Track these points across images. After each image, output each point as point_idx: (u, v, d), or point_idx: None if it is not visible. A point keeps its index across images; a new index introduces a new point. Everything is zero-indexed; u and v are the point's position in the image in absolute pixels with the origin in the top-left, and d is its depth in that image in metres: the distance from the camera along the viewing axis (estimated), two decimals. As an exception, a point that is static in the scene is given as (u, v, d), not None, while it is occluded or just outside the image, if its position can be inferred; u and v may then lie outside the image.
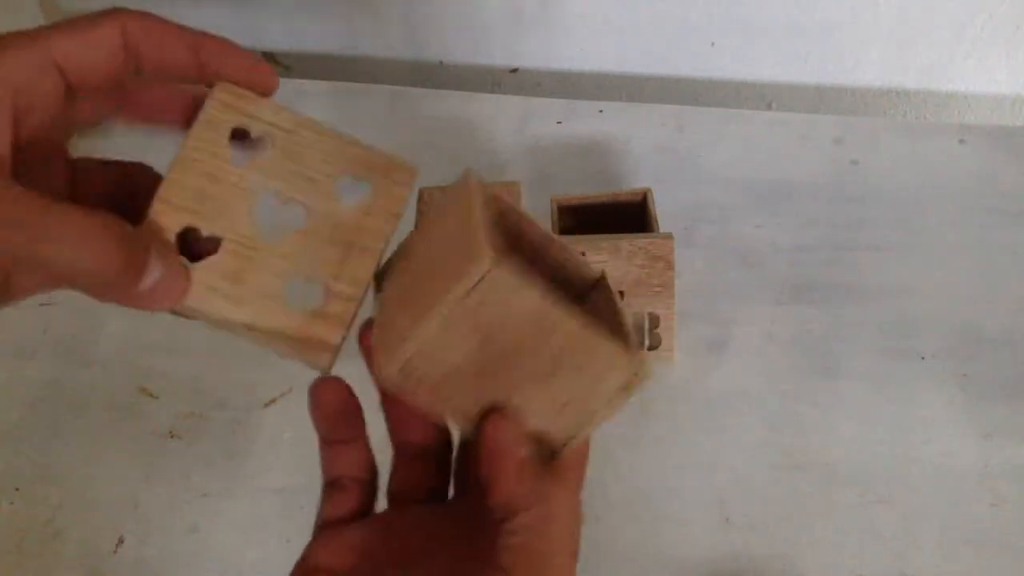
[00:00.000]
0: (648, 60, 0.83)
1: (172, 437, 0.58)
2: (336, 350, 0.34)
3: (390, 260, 0.35)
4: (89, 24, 0.30)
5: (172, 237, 0.32)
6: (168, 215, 0.32)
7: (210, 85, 0.33)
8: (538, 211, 0.63)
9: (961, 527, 0.52)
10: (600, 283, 0.35)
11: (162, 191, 0.32)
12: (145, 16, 0.31)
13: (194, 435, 0.58)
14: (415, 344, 0.30)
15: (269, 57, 0.89)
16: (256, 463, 0.56)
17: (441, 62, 0.87)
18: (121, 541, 0.53)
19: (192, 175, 0.32)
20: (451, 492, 0.37)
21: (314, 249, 0.34)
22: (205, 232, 0.32)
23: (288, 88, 0.83)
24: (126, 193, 0.33)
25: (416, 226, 0.36)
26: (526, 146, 0.74)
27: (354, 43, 0.86)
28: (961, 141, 0.73)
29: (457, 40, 0.84)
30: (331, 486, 0.36)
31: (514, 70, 0.86)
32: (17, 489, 0.56)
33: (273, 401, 0.59)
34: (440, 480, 0.37)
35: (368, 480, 0.36)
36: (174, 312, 0.32)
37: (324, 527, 0.35)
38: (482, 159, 0.73)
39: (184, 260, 0.32)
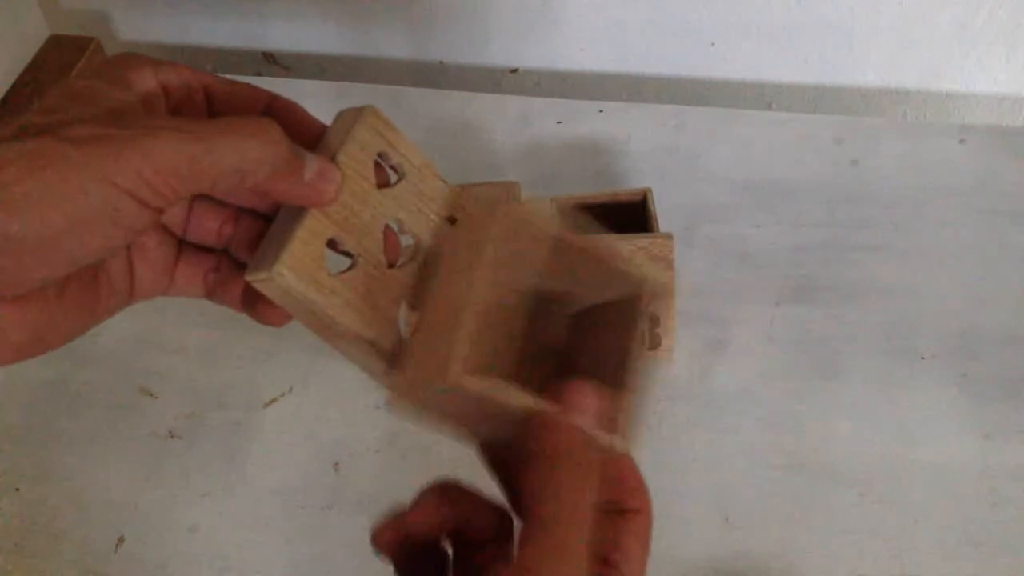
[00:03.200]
0: (648, 60, 0.83)
1: (172, 437, 0.58)
2: None
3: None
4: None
5: (323, 244, 0.33)
6: (321, 222, 0.33)
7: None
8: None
9: (961, 527, 0.52)
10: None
11: None
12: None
13: (194, 435, 0.58)
14: (406, 403, 0.31)
15: (269, 57, 0.89)
16: (256, 463, 0.56)
17: (441, 62, 0.87)
18: (121, 541, 0.53)
19: (344, 191, 0.33)
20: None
21: (421, 280, 0.36)
22: (345, 247, 0.34)
23: (288, 88, 0.84)
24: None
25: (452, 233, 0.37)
26: (526, 146, 0.74)
27: (354, 43, 0.86)
28: (961, 141, 0.73)
29: (457, 40, 0.84)
30: None
31: (514, 70, 0.86)
32: (17, 489, 0.56)
33: (273, 401, 0.59)
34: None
35: None
36: (307, 315, 0.33)
37: None
38: (482, 159, 0.73)
39: (327, 269, 0.33)
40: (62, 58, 0.78)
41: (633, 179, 0.71)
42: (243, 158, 0.30)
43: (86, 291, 0.32)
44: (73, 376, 0.61)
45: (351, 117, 0.35)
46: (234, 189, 0.31)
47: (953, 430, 0.56)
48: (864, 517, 0.52)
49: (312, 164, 0.32)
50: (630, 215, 0.60)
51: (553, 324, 0.36)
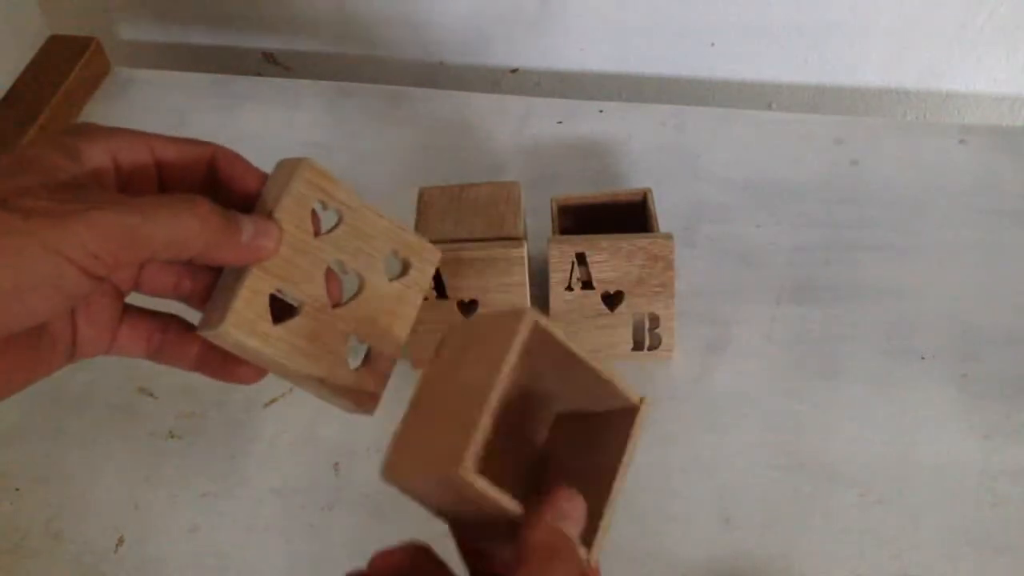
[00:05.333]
0: (648, 60, 0.83)
1: (172, 437, 0.58)
2: (379, 399, 0.41)
3: (440, 344, 0.38)
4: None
5: (266, 299, 0.36)
6: (263, 280, 0.36)
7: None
8: (538, 211, 0.63)
9: (961, 527, 0.52)
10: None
11: None
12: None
13: (194, 435, 0.58)
14: (403, 484, 0.34)
15: (269, 57, 0.89)
16: (256, 463, 0.56)
17: (441, 62, 0.87)
18: (121, 541, 0.53)
19: (283, 245, 0.37)
20: None
21: (366, 314, 0.40)
22: (288, 296, 0.37)
23: (288, 88, 0.84)
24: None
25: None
26: (526, 146, 0.74)
27: (354, 43, 0.86)
28: (961, 141, 0.73)
29: (457, 40, 0.84)
30: None
31: (514, 70, 0.86)
32: (17, 489, 0.56)
33: (273, 401, 0.59)
34: None
35: None
36: (260, 361, 0.37)
37: None
38: (482, 159, 0.73)
39: (269, 321, 0.36)
40: (62, 58, 0.78)
41: (633, 179, 0.71)
42: (178, 231, 0.32)
43: (26, 350, 0.34)
44: (73, 376, 0.61)
45: (289, 169, 0.38)
46: (175, 258, 0.34)
47: (953, 430, 0.56)
48: (864, 517, 0.52)
49: (248, 227, 0.35)
50: (630, 215, 0.60)
51: (539, 420, 0.38)
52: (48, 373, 0.36)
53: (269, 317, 0.36)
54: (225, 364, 0.38)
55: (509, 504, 0.31)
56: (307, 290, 0.38)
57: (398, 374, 0.59)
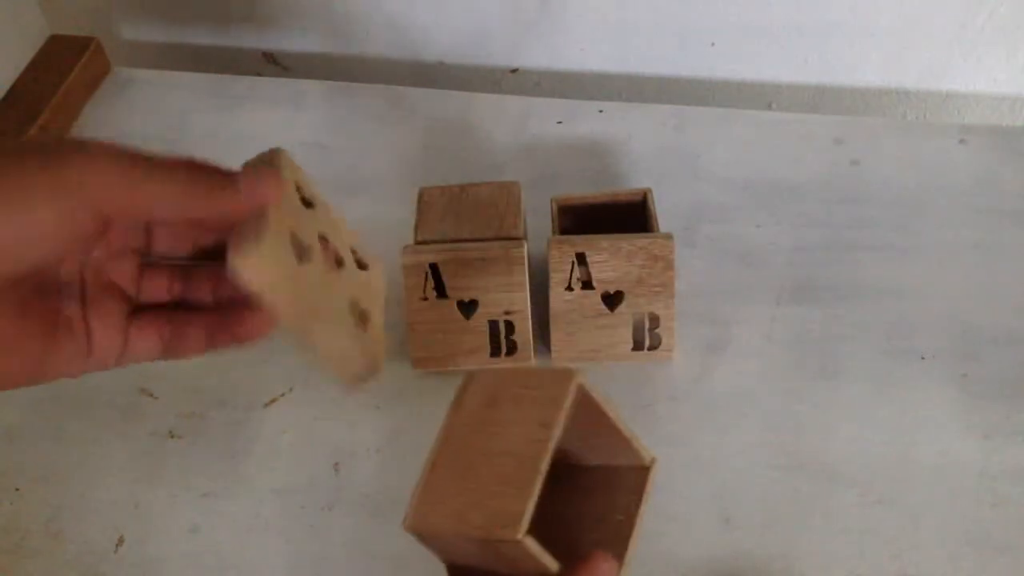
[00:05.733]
0: (648, 60, 0.83)
1: (172, 437, 0.58)
2: (379, 369, 0.40)
3: (458, 396, 0.39)
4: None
5: (287, 237, 0.36)
6: (280, 221, 0.36)
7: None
8: (538, 211, 0.63)
9: (961, 527, 0.52)
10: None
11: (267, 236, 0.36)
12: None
13: (194, 435, 0.58)
14: (427, 535, 0.35)
15: (269, 57, 0.89)
16: (256, 463, 0.56)
17: (441, 62, 0.87)
18: (121, 541, 0.53)
19: (284, 200, 0.37)
20: None
21: (356, 284, 0.40)
22: (302, 238, 0.37)
23: (288, 88, 0.84)
24: None
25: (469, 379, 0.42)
26: (526, 146, 0.74)
27: (354, 43, 0.86)
28: (961, 141, 0.73)
29: (457, 40, 0.84)
30: None
31: (514, 70, 0.86)
32: (17, 489, 0.56)
33: (273, 401, 0.59)
34: None
35: None
36: (284, 292, 0.36)
37: None
38: (482, 159, 0.74)
39: (292, 255, 0.36)
40: (62, 58, 0.78)
41: (633, 179, 0.71)
42: (175, 171, 0.33)
43: (43, 334, 0.35)
44: (73, 376, 0.61)
45: (267, 158, 0.38)
46: (179, 212, 0.34)
47: (953, 430, 0.56)
48: (864, 517, 0.53)
49: (246, 176, 0.35)
50: (630, 215, 0.60)
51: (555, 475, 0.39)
52: (67, 369, 0.36)
53: (292, 252, 0.36)
54: (237, 321, 0.38)
55: (551, 565, 0.33)
56: (313, 244, 0.38)
57: (398, 373, 0.59)
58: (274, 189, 0.35)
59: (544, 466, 0.33)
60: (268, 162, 0.38)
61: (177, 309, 0.39)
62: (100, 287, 0.37)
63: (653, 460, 0.39)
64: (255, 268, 0.34)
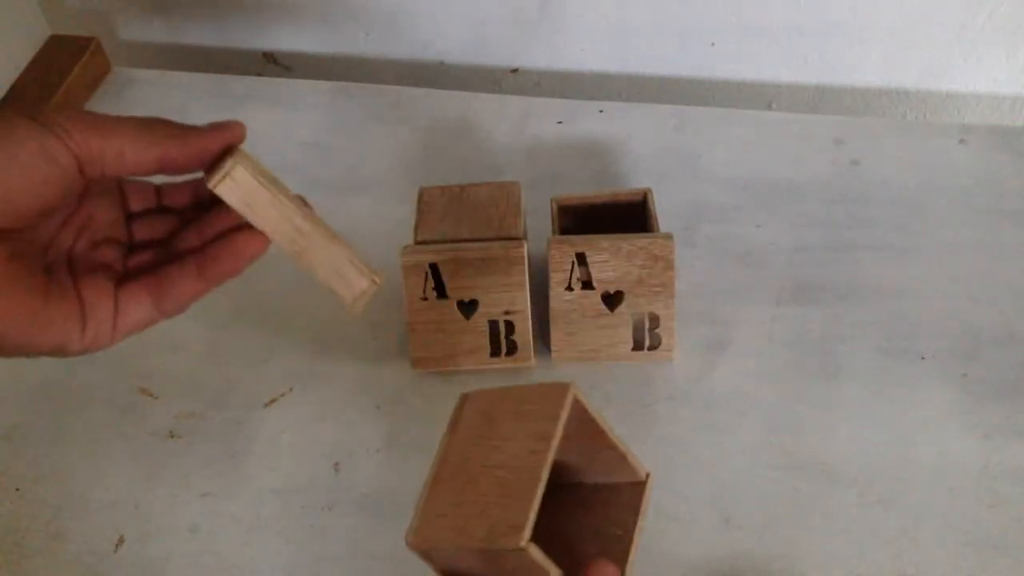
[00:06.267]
0: (648, 60, 0.83)
1: (172, 437, 0.58)
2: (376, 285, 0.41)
3: (455, 416, 0.39)
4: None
5: (256, 161, 0.38)
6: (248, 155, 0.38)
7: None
8: (538, 211, 0.63)
9: (961, 527, 0.52)
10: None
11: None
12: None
13: (194, 435, 0.58)
14: (429, 550, 0.35)
15: (269, 57, 0.89)
16: (256, 463, 0.56)
17: (441, 62, 0.87)
18: (121, 541, 0.53)
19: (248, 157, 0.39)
20: None
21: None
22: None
23: (288, 88, 0.84)
24: None
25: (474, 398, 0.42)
26: (526, 146, 0.74)
27: (354, 43, 0.86)
28: (961, 141, 0.73)
29: (457, 40, 0.84)
30: None
31: (514, 70, 0.86)
32: (17, 489, 0.56)
33: (273, 401, 0.59)
34: None
35: None
36: (264, 225, 0.38)
37: None
38: (482, 159, 0.74)
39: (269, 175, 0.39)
40: (62, 58, 0.78)
41: (633, 179, 0.71)
42: (142, 123, 0.37)
43: (31, 290, 0.36)
44: (73, 376, 0.61)
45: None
46: (148, 156, 0.37)
47: (953, 430, 0.56)
48: (864, 517, 0.52)
49: (209, 123, 0.38)
50: (630, 215, 0.60)
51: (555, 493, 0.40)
52: (63, 337, 0.37)
53: (264, 177, 0.38)
54: (226, 247, 0.39)
55: (554, 573, 0.33)
56: (283, 189, 0.39)
57: (398, 373, 0.59)
58: (238, 130, 0.38)
59: (544, 474, 0.33)
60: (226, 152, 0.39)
61: (164, 260, 0.40)
62: (88, 266, 0.38)
63: (648, 476, 0.39)
64: (232, 179, 0.36)
